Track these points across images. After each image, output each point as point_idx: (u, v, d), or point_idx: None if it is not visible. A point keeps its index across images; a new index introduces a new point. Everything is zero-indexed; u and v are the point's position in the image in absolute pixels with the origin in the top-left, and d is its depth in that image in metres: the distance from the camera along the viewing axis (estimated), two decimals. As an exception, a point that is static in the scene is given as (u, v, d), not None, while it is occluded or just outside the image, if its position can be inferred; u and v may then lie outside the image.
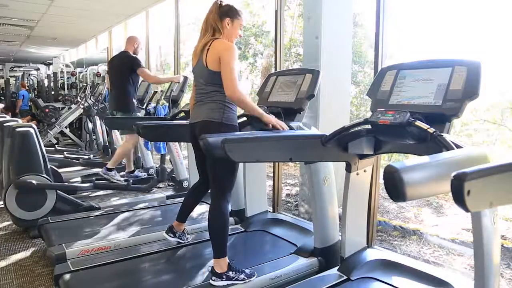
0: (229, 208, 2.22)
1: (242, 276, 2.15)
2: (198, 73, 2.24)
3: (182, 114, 3.57)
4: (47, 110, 7.98)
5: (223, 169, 2.15)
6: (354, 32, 4.81)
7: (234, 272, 2.14)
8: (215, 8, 2.18)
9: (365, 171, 2.19)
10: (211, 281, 2.12)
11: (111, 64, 4.42)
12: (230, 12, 2.19)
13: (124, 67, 4.15)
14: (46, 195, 3.31)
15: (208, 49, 2.14)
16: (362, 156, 2.12)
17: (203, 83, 2.20)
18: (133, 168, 4.72)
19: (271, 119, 2.20)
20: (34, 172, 3.28)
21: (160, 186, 4.62)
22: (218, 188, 2.20)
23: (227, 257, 2.15)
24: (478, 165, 0.90)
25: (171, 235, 2.64)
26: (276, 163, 3.47)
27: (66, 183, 3.53)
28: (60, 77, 10.93)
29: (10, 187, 3.19)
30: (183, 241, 2.68)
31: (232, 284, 2.10)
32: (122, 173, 4.65)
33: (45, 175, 3.34)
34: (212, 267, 2.14)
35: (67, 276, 2.22)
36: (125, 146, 4.38)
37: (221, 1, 2.19)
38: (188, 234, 2.73)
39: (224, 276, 2.11)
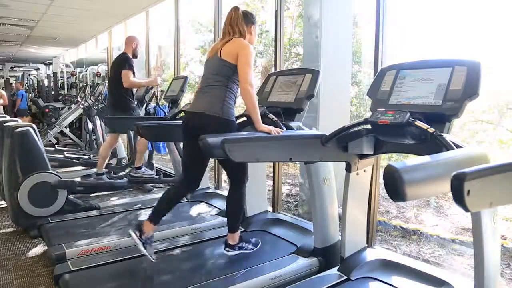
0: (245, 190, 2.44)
1: (250, 246, 2.52)
2: (210, 64, 2.35)
3: (182, 114, 3.57)
4: (47, 110, 7.99)
5: (233, 164, 2.26)
6: (353, 32, 4.80)
7: (244, 243, 2.51)
8: (239, 14, 2.28)
9: (365, 171, 2.19)
10: (225, 251, 2.48)
11: (111, 66, 4.42)
12: (254, 20, 2.36)
13: (118, 69, 4.13)
14: (58, 192, 3.37)
15: (226, 42, 2.26)
16: (362, 156, 2.12)
17: (211, 72, 2.30)
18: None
19: (269, 129, 2.12)
20: (41, 170, 3.32)
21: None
22: (234, 177, 2.43)
23: (239, 230, 2.49)
24: (478, 165, 0.90)
25: (137, 233, 2.34)
26: (276, 163, 3.47)
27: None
28: (60, 77, 10.91)
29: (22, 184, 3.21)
30: (143, 249, 2.30)
31: (242, 253, 2.49)
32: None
33: (52, 171, 3.39)
34: (226, 239, 2.48)
35: (67, 276, 2.23)
36: (139, 144, 4.36)
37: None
38: (152, 244, 2.36)
39: (236, 247, 2.48)
